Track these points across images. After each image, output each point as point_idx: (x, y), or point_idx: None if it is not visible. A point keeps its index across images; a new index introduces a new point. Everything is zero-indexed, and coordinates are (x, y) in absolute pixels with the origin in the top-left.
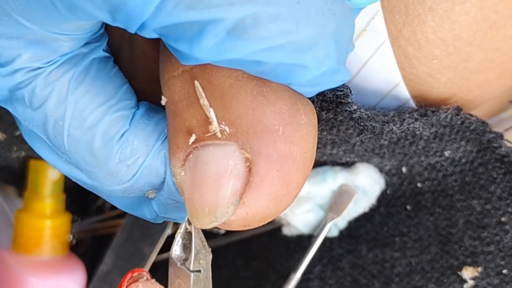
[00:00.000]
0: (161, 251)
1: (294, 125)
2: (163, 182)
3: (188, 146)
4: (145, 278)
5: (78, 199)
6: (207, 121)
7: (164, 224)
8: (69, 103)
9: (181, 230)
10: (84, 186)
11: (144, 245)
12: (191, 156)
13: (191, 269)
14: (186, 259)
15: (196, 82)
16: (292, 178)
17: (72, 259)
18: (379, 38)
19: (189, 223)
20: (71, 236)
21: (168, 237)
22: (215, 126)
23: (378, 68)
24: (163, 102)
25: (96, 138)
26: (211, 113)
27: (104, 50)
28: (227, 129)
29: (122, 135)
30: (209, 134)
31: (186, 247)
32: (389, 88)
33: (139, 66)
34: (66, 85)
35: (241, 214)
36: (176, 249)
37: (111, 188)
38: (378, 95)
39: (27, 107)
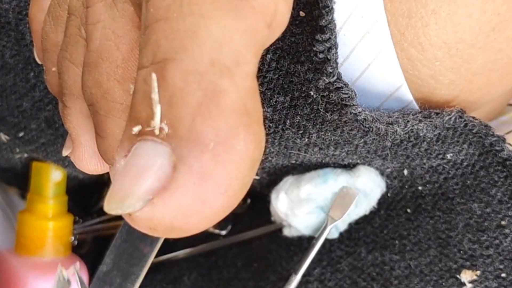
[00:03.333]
0: (160, 251)
1: (227, 148)
2: None
3: (133, 138)
4: None
5: (80, 201)
6: (153, 117)
7: None
8: None
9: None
10: None
11: (143, 245)
12: (133, 147)
13: None
14: None
15: (153, 75)
16: (208, 198)
17: (74, 261)
18: (382, 40)
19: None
20: (73, 237)
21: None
22: (155, 122)
23: (381, 71)
24: (130, 91)
25: None
26: (157, 109)
27: None
28: (166, 128)
29: None
30: (149, 128)
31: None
32: (392, 90)
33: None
34: None
35: (146, 213)
36: None
37: None
38: (381, 97)
39: None
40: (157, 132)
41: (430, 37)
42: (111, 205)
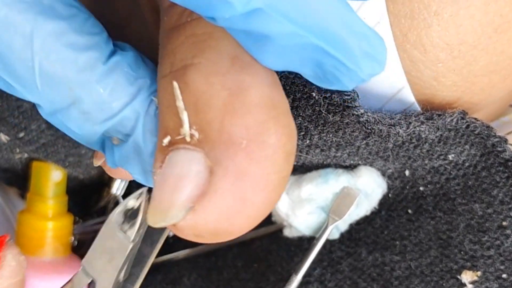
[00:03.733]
0: (160, 252)
1: (259, 143)
2: (130, 135)
3: (165, 149)
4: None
5: (80, 201)
6: (181, 125)
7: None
8: (36, 38)
9: (130, 199)
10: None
11: (144, 246)
12: (167, 157)
13: (132, 239)
14: (125, 227)
15: (174, 83)
16: (248, 197)
17: (74, 261)
18: (385, 42)
19: (138, 198)
20: (73, 238)
21: (167, 238)
22: (185, 130)
23: (383, 72)
24: (156, 103)
25: (69, 74)
26: (184, 116)
27: None
28: (196, 134)
29: (99, 74)
30: (179, 137)
31: (127, 215)
32: (393, 92)
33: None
34: (29, 25)
35: (190, 221)
36: (119, 214)
37: (81, 125)
38: (383, 98)
39: None
40: (188, 139)
41: (432, 38)
42: (155, 218)
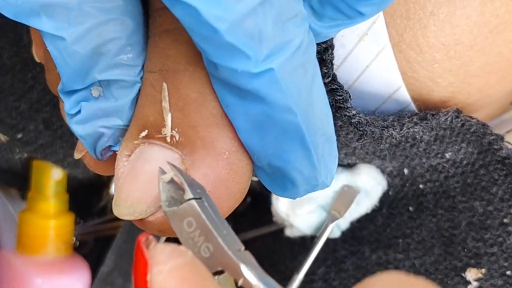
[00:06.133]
0: None
1: (241, 154)
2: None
3: (137, 139)
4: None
5: (81, 201)
6: (162, 123)
7: None
8: None
9: (162, 179)
10: None
11: None
12: (137, 149)
13: (191, 197)
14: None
15: (164, 84)
16: (221, 203)
17: (76, 259)
18: (380, 42)
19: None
20: (74, 238)
21: (167, 238)
22: (167, 130)
23: (379, 72)
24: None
25: None
26: (168, 117)
27: None
28: (177, 136)
29: None
30: (160, 135)
31: (173, 191)
32: (390, 92)
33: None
34: None
35: (159, 219)
36: (166, 199)
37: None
38: (379, 99)
39: None
40: (169, 139)
41: (428, 38)
42: (122, 210)
